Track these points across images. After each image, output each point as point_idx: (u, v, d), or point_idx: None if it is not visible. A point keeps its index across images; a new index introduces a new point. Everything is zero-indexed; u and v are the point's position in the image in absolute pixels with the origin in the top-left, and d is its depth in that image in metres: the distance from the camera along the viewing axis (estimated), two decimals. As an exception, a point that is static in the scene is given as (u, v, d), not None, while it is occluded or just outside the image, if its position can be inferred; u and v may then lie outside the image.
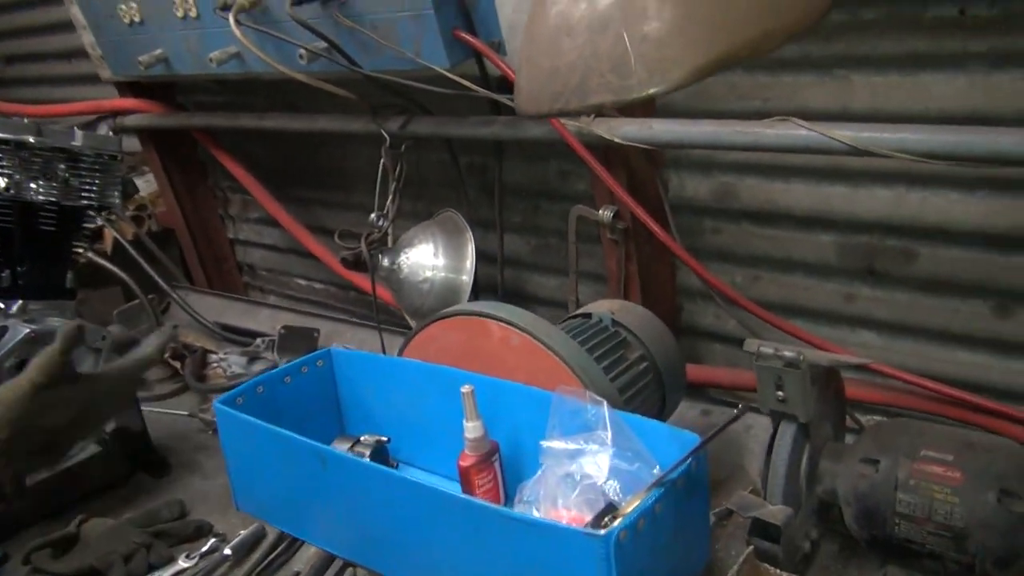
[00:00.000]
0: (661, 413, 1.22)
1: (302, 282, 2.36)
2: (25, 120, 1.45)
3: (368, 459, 1.13)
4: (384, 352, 1.73)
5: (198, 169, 2.33)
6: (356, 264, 1.62)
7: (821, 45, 1.15)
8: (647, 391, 1.16)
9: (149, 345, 1.14)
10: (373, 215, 1.62)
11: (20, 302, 1.47)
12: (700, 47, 0.59)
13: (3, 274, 1.48)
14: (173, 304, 2.27)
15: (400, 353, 1.19)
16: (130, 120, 2.15)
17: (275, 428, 1.04)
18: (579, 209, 1.42)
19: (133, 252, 2.23)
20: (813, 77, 1.20)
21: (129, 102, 2.11)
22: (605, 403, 0.90)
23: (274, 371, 1.19)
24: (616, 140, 1.22)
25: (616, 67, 0.60)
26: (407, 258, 1.63)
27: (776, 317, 1.31)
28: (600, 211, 1.39)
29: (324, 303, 2.30)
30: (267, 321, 2.16)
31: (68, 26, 2.25)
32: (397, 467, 1.20)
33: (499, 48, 1.34)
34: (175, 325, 1.28)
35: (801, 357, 0.96)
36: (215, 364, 2.07)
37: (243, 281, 2.51)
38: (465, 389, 0.98)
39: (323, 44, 1.44)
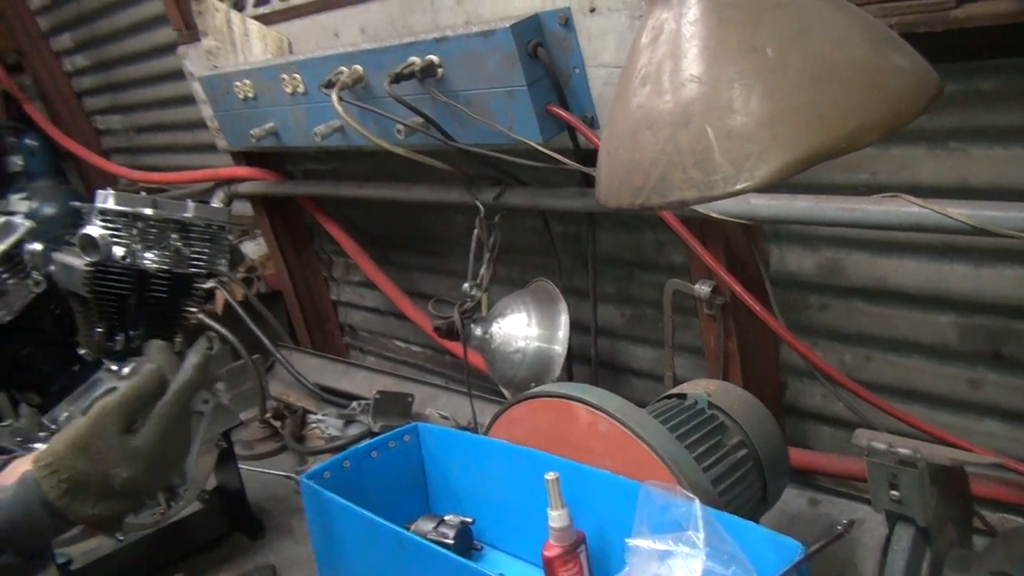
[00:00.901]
0: (762, 503, 1.15)
1: (400, 344, 2.39)
2: (142, 193, 1.53)
3: (452, 541, 1.11)
4: (475, 420, 1.72)
5: (305, 233, 2.42)
6: (449, 333, 1.62)
7: (933, 117, 1.08)
8: (746, 480, 1.09)
9: (185, 371, 1.00)
10: (466, 284, 1.62)
11: (131, 364, 1.53)
12: (790, 141, 0.55)
13: (117, 337, 1.55)
14: (277, 363, 2.34)
15: (487, 432, 1.16)
16: (243, 187, 2.26)
17: (356, 508, 1.03)
18: (675, 284, 1.38)
19: (242, 313, 2.32)
20: (925, 149, 1.12)
21: (243, 170, 2.22)
22: (697, 501, 0.85)
23: (361, 445, 1.19)
24: (713, 214, 1.18)
25: (700, 163, 0.57)
26: (499, 328, 1.62)
27: (889, 403, 1.21)
28: (697, 285, 1.34)
29: (421, 366, 2.32)
30: (364, 383, 2.20)
31: (190, 100, 2.41)
32: (481, 550, 1.17)
33: (591, 122, 1.33)
34: (209, 344, 1.09)
35: (918, 455, 0.88)
36: (313, 425, 2.11)
37: (344, 342, 2.57)
38: (550, 476, 0.94)
39: (420, 119, 1.47)
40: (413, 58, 1.43)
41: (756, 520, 1.06)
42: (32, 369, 1.42)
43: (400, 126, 1.50)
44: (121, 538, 1.56)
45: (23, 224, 1.40)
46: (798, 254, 1.33)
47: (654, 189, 0.59)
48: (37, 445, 1.40)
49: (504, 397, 1.77)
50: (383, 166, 1.96)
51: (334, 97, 1.52)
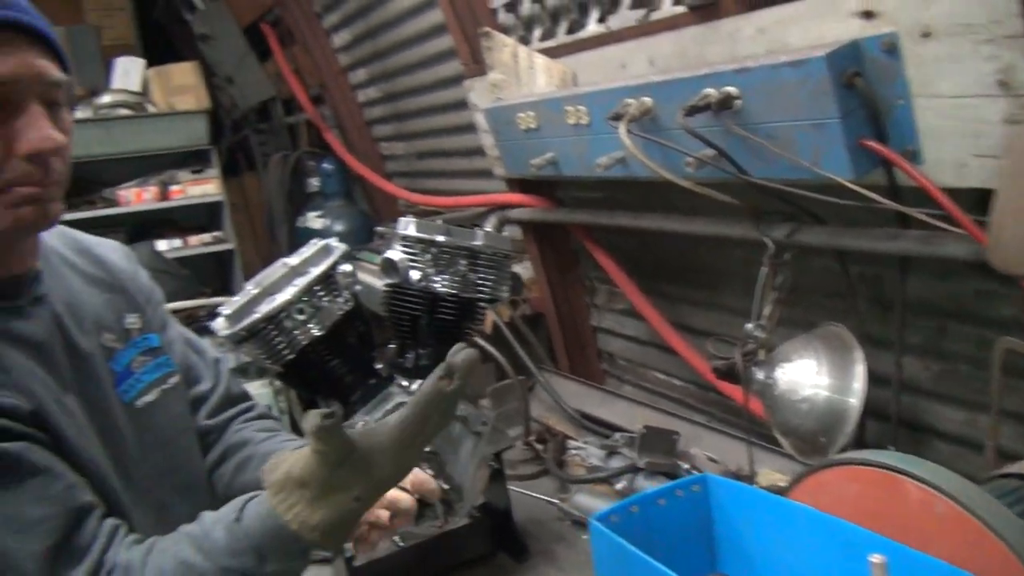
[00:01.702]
0: None
1: (660, 376, 2.34)
2: (438, 221, 1.62)
3: (744, 608, 1.04)
4: (752, 468, 1.62)
5: (570, 259, 2.45)
6: (728, 375, 1.54)
7: None
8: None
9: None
10: (749, 325, 1.54)
11: (418, 381, 1.62)
12: None
13: (409, 355, 1.65)
14: (538, 386, 2.39)
15: (788, 493, 1.08)
16: (516, 213, 2.33)
17: (647, 558, 0.99)
18: (1008, 342, 1.20)
19: (508, 334, 2.40)
20: None
21: (517, 197, 2.29)
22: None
23: (648, 492, 1.15)
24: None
25: None
26: (784, 373, 1.51)
27: None
28: (1040, 346, 1.16)
29: (682, 400, 2.25)
30: (623, 414, 2.17)
31: (469, 128, 2.54)
32: (774, 621, 1.09)
33: (914, 157, 1.20)
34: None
35: None
36: (574, 452, 2.12)
37: (601, 368, 2.57)
38: (876, 559, 0.84)
39: (710, 152, 1.42)
40: (708, 90, 1.38)
41: None
42: (337, 379, 1.54)
43: (690, 159, 1.45)
44: (401, 543, 1.66)
45: (339, 247, 1.53)
46: None
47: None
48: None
49: (780, 446, 1.66)
50: (659, 196, 1.93)
51: (622, 129, 1.51)
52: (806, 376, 1.48)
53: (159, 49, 4.18)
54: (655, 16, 1.63)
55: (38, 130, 1.01)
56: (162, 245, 3.66)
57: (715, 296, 1.99)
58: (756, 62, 1.31)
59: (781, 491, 1.22)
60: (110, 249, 1.39)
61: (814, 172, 1.26)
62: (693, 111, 1.39)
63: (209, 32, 3.88)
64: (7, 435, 1.01)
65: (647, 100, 1.54)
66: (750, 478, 1.61)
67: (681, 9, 1.55)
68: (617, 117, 1.56)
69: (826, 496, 1.00)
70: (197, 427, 1.50)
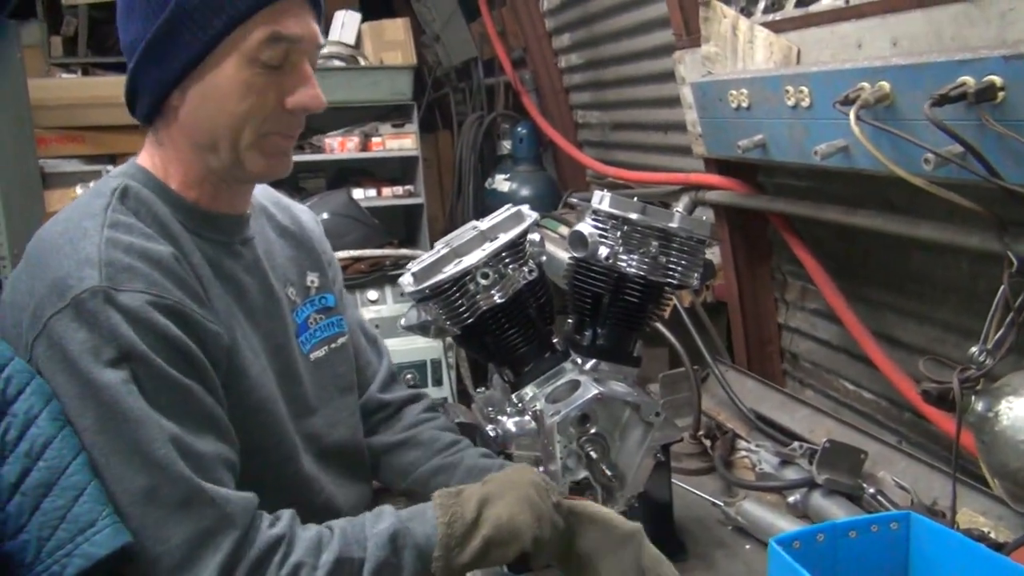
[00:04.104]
0: None
1: (848, 386, 2.15)
2: (635, 199, 1.54)
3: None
4: (954, 508, 1.45)
5: (763, 248, 2.30)
6: (940, 401, 1.37)
7: None
8: None
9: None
10: (975, 348, 1.36)
11: (593, 361, 1.57)
12: None
13: (586, 332, 1.60)
14: (712, 378, 2.27)
15: (1010, 552, 0.94)
16: (712, 195, 2.21)
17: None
18: None
19: (687, 320, 2.30)
20: None
21: (716, 179, 2.17)
22: None
23: (839, 522, 1.04)
24: None
25: None
26: (1010, 407, 1.32)
27: None
28: None
29: (870, 415, 2.06)
30: (804, 421, 2.02)
31: (672, 102, 2.43)
32: None
33: None
34: None
35: None
36: (743, 453, 2.00)
37: (782, 368, 2.41)
38: None
39: (957, 148, 1.25)
40: (965, 78, 1.21)
41: None
42: (512, 349, 1.52)
43: (929, 155, 1.29)
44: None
45: (531, 215, 1.50)
46: None
47: None
48: (502, 419, 1.51)
49: (986, 485, 1.47)
50: (876, 192, 1.75)
51: (851, 116, 1.37)
52: (1038, 415, 1.29)
53: (375, 4, 4.32)
54: (907, -10, 1.45)
55: (310, 88, 1.11)
56: (358, 194, 3.82)
57: (929, 309, 1.79)
58: (1032, 49, 1.13)
59: (996, 545, 1.08)
60: (301, 210, 1.50)
61: (1090, 183, 1.07)
62: (942, 101, 1.22)
63: (423, -11, 3.97)
64: (192, 368, 1.06)
65: (885, 85, 1.38)
66: (948, 516, 1.44)
67: (942, -16, 1.37)
68: (847, 101, 1.42)
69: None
70: (372, 398, 1.57)
